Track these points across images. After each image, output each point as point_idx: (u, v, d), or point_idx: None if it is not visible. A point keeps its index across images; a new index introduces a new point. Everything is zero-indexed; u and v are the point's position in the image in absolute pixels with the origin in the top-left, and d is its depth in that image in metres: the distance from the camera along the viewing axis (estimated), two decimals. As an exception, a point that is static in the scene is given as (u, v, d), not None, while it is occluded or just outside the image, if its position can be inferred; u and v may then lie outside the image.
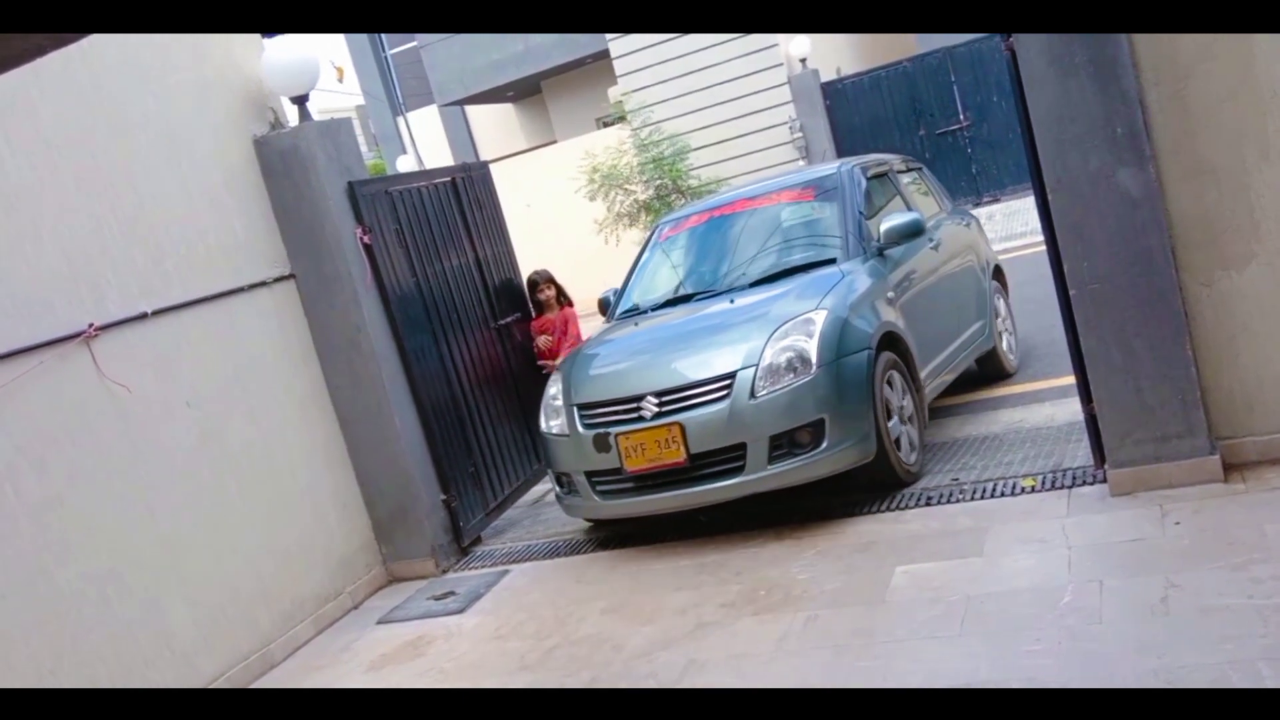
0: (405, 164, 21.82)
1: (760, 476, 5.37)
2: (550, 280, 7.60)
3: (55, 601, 4.61)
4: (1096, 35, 4.45)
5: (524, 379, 7.45)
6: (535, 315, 7.63)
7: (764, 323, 5.58)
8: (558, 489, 6.17)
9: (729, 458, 5.39)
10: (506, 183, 7.80)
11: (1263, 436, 4.66)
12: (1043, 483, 5.20)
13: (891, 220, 6.24)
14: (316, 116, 6.27)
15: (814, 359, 5.36)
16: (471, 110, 22.64)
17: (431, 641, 5.39)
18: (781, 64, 15.07)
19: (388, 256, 6.36)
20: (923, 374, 6.04)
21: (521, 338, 7.51)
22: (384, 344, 6.23)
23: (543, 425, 6.09)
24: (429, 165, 19.47)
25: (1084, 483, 5.05)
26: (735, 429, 5.34)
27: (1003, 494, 5.22)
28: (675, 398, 5.48)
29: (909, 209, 6.83)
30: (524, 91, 20.83)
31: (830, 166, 6.98)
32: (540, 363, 7.54)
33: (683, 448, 5.38)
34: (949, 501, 5.32)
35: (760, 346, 5.42)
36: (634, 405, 5.56)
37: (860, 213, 6.39)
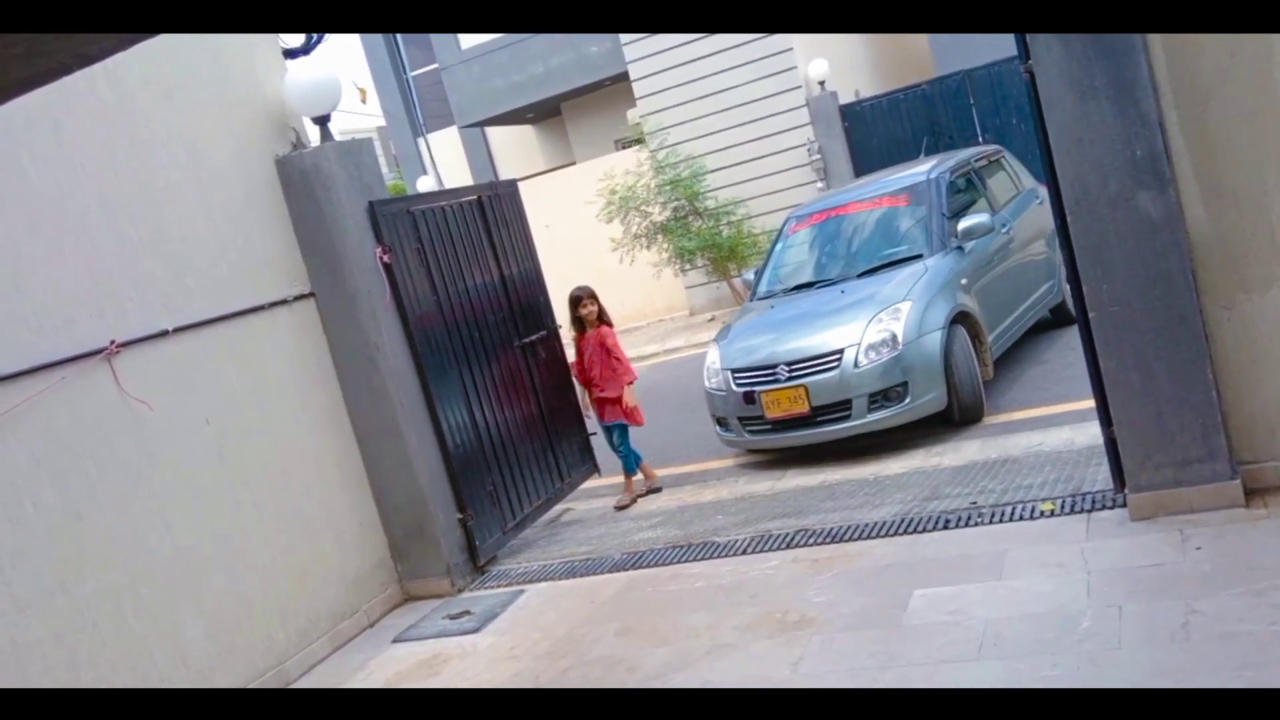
0: (425, 184, 21.91)
1: (862, 423, 7.11)
2: (592, 297, 7.52)
3: (72, 615, 4.63)
4: (1115, 58, 4.44)
5: (549, 397, 7.44)
6: (578, 332, 7.58)
7: (865, 309, 7.35)
8: (717, 429, 7.87)
9: (839, 409, 7.16)
10: (526, 203, 7.79)
11: (1285, 461, 4.61)
12: (1062, 506, 5.17)
13: (967, 222, 7.92)
14: (338, 137, 6.31)
15: (900, 338, 7.10)
16: (491, 131, 22.73)
17: (446, 661, 5.38)
18: (800, 86, 15.08)
19: (408, 275, 6.38)
20: (990, 336, 7.74)
21: (546, 355, 7.49)
22: (402, 362, 6.25)
23: (705, 383, 7.89)
24: (449, 186, 19.57)
25: (1104, 507, 5.01)
26: (844, 389, 7.12)
27: (1021, 517, 5.19)
28: (801, 366, 7.24)
29: (984, 207, 8.55)
30: (544, 113, 20.91)
31: (921, 172, 8.64)
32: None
33: (806, 402, 7.18)
34: (967, 525, 5.29)
35: (863, 329, 7.19)
36: (771, 371, 7.35)
37: (943, 214, 8.10)
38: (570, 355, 7.74)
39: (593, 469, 7.80)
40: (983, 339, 7.58)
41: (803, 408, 7.17)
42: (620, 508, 7.37)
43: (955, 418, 7.24)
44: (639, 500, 7.46)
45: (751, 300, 8.80)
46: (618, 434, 7.52)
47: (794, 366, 7.25)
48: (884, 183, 8.93)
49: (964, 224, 7.90)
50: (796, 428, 7.27)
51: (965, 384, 7.18)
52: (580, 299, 7.49)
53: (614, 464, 7.74)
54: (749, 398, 7.37)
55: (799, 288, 8.35)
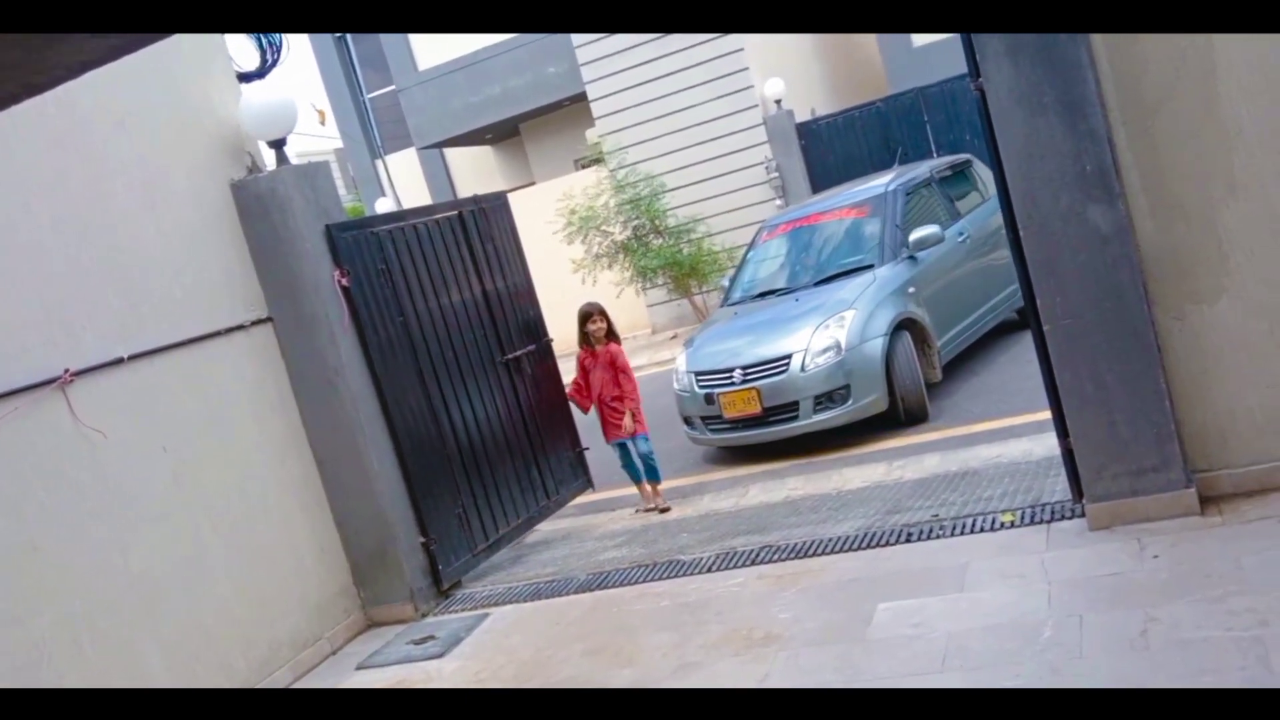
0: (384, 206, 21.83)
1: (808, 422, 7.75)
2: (602, 313, 7.44)
3: (28, 649, 4.55)
4: (1064, 75, 4.52)
5: (536, 413, 7.32)
6: (586, 349, 7.49)
7: (813, 317, 8.01)
8: (684, 427, 8.52)
9: (788, 410, 7.81)
10: (485, 223, 7.81)
11: (1237, 469, 4.68)
12: (1022, 517, 5.22)
13: (918, 233, 8.45)
14: (294, 160, 6.28)
15: (843, 345, 7.73)
16: (450, 152, 22.69)
17: (411, 687, 5.33)
18: (757, 105, 15.20)
19: (370, 297, 6.32)
20: (940, 341, 8.31)
21: (534, 370, 7.37)
22: (361, 385, 6.20)
23: (674, 385, 8.55)
24: (408, 207, 19.48)
25: (1062, 517, 5.07)
26: (791, 391, 7.77)
27: (982, 529, 5.23)
28: (754, 370, 7.91)
29: (944, 216, 9.13)
30: (502, 134, 20.91)
31: (880, 185, 9.27)
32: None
33: (759, 403, 7.83)
34: (929, 538, 5.33)
35: (809, 336, 7.85)
36: (728, 374, 8.02)
37: (896, 225, 8.70)
38: (569, 372, 7.64)
39: (586, 484, 7.67)
40: (930, 343, 8.21)
41: (755, 409, 7.84)
42: (645, 512, 7.39)
43: (901, 419, 7.78)
44: (611, 519, 7.39)
45: (722, 307, 9.51)
46: (621, 452, 7.43)
47: (748, 370, 7.94)
48: (847, 195, 9.56)
49: (915, 235, 8.46)
50: (751, 427, 7.95)
51: (907, 387, 7.77)
52: (590, 315, 7.40)
53: (610, 478, 7.76)
54: (709, 399, 8.06)
55: (762, 295, 9.04)
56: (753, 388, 7.84)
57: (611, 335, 7.48)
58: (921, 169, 9.76)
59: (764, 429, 7.90)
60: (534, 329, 7.51)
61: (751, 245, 9.85)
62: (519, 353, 7.30)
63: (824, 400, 7.71)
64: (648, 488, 7.49)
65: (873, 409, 7.72)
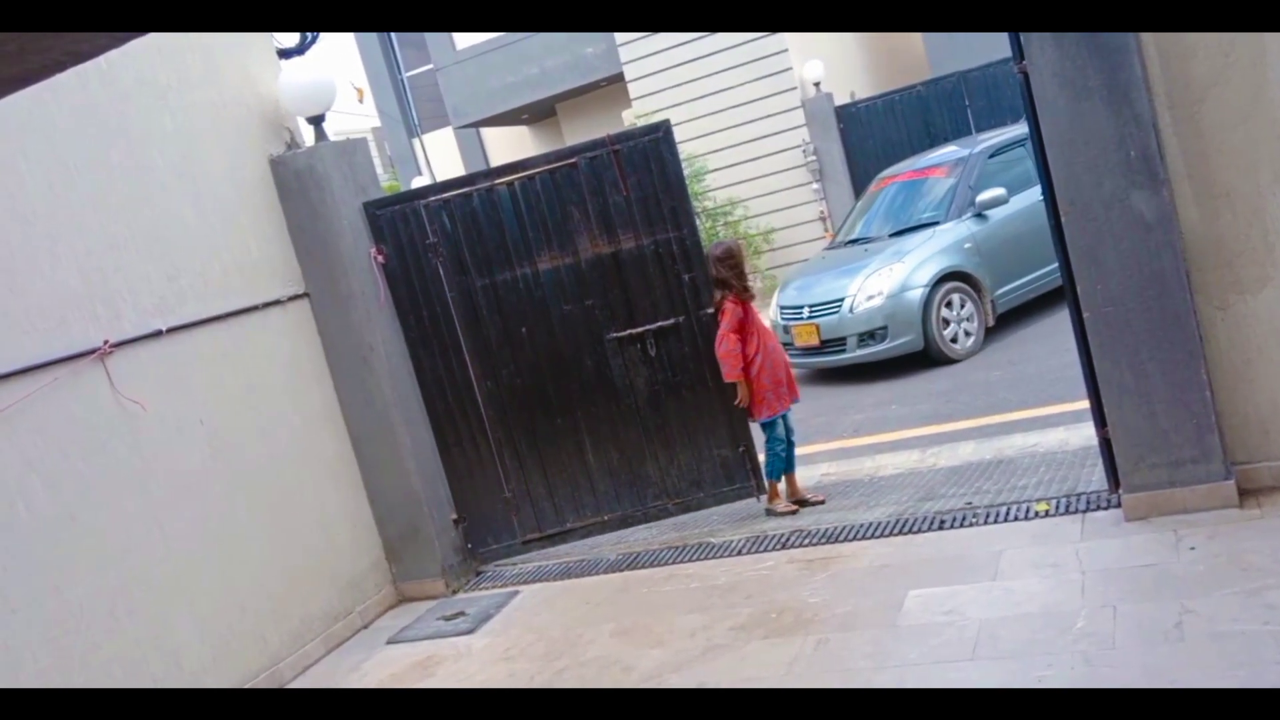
0: (419, 185, 21.90)
1: (853, 355, 9.33)
2: (741, 253, 6.15)
3: (65, 618, 4.61)
4: (1109, 58, 4.45)
5: (669, 400, 6.20)
6: (733, 298, 6.04)
7: (869, 267, 9.44)
8: None
9: (838, 344, 9.39)
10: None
11: (1278, 462, 4.61)
12: (1057, 507, 5.17)
13: (985, 195, 9.62)
14: (332, 137, 6.30)
15: (885, 292, 9.16)
16: (486, 132, 22.68)
17: (441, 662, 5.37)
18: (796, 88, 15.07)
19: (415, 273, 6.28)
20: (995, 293, 9.48)
21: (662, 349, 6.16)
22: (398, 363, 6.23)
23: (770, 315, 9.67)
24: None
25: (1098, 507, 5.02)
26: (841, 328, 9.34)
27: (1016, 518, 5.19)
28: (817, 309, 9.51)
29: (1031, 176, 9.32)
30: (539, 114, 20.87)
31: (964, 149, 10.43)
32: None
33: (818, 336, 9.45)
34: (962, 525, 5.29)
35: (860, 283, 9.32)
36: (800, 310, 9.68)
37: (969, 187, 9.84)
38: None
39: (746, 490, 6.26)
40: (984, 293, 9.39)
41: (815, 340, 9.44)
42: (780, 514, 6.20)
43: (935, 358, 9.14)
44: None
45: (824, 250, 11.17)
46: (772, 433, 6.18)
47: (813, 308, 9.53)
48: (942, 155, 10.82)
49: (982, 196, 9.62)
50: (813, 355, 9.60)
51: (939, 332, 9.12)
52: (732, 253, 6.06)
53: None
54: (786, 329, 9.70)
55: (849, 242, 10.53)
56: (815, 323, 9.43)
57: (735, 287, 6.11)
58: (1010, 132, 10.55)
59: (820, 358, 9.51)
60: (684, 298, 6.13)
61: (863, 195, 11.43)
62: (643, 328, 6.14)
63: (866, 338, 9.20)
64: (795, 479, 6.36)
65: (907, 348, 9.11)
